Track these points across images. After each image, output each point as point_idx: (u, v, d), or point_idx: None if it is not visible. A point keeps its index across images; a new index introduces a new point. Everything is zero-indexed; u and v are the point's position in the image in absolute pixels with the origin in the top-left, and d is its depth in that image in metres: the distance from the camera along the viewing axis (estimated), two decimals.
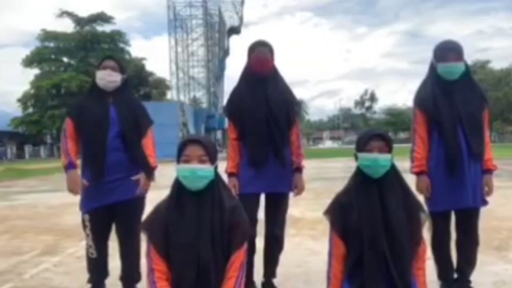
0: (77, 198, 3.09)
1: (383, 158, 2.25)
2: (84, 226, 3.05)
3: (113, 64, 3.04)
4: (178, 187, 2.17)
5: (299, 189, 3.18)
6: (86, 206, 3.04)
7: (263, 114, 3.04)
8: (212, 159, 2.17)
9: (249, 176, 3.05)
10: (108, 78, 3.00)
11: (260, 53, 3.06)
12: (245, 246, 2.19)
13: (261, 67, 3.07)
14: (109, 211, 3.03)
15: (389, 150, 2.28)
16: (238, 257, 2.13)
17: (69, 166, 2.98)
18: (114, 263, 3.20)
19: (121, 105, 3.04)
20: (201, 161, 2.13)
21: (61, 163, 3.03)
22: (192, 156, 2.13)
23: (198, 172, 2.11)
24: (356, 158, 2.33)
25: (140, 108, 3.16)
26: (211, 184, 2.16)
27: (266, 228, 3.16)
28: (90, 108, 3.02)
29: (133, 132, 3.02)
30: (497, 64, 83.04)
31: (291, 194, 3.21)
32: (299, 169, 3.17)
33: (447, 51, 2.91)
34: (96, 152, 2.97)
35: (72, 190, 3.00)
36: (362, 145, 2.30)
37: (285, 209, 3.21)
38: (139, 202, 3.09)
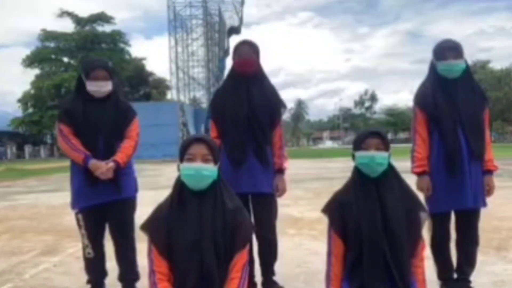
0: None
1: (380, 156, 2.24)
2: (79, 226, 3.06)
3: (104, 74, 2.98)
4: (179, 187, 2.16)
5: (281, 191, 3.17)
6: (76, 205, 3.04)
7: (245, 113, 3.04)
8: (216, 159, 2.17)
9: (229, 175, 3.00)
10: (101, 89, 2.98)
11: (244, 54, 3.07)
12: (248, 247, 2.19)
13: (245, 68, 3.09)
14: (101, 211, 3.03)
15: (386, 148, 2.28)
16: (241, 258, 2.13)
17: (88, 158, 2.94)
18: (114, 263, 3.19)
19: (109, 108, 3.03)
20: (205, 161, 2.13)
21: (76, 160, 2.98)
22: (196, 155, 2.13)
23: (203, 172, 2.11)
24: (354, 158, 2.33)
25: (125, 110, 3.12)
26: (213, 184, 2.15)
27: (257, 232, 3.11)
28: (80, 114, 2.99)
29: (116, 136, 3.02)
30: (499, 64, 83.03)
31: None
32: (280, 170, 3.16)
33: (447, 49, 2.90)
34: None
35: (102, 173, 2.94)
36: (358, 144, 2.30)
37: (272, 210, 3.17)
38: (130, 202, 3.11)
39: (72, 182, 3.09)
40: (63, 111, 3.07)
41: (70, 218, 6.61)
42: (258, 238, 3.11)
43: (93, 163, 2.93)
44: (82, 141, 2.99)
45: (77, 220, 3.06)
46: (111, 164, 2.94)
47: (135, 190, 3.17)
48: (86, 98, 3.01)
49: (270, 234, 3.15)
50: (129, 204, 3.10)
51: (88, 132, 2.99)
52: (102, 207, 3.01)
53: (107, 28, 46.75)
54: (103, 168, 2.91)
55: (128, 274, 3.13)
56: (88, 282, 3.13)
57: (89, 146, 2.98)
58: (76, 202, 3.05)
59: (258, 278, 3.22)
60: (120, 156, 2.98)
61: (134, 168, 3.24)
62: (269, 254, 3.18)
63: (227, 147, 3.08)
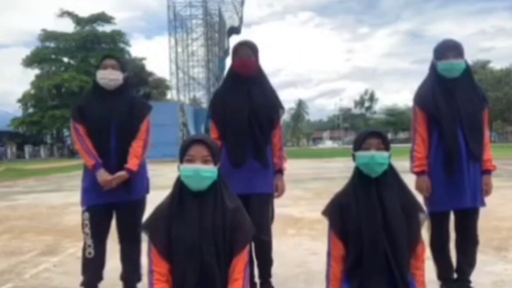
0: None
1: (380, 155, 2.24)
2: (84, 225, 3.04)
3: (113, 63, 3.04)
4: (179, 187, 2.16)
5: (280, 191, 3.18)
6: (85, 203, 3.04)
7: (246, 115, 3.05)
8: (216, 160, 2.17)
9: (229, 176, 3.00)
10: (109, 76, 3.01)
11: (243, 55, 3.08)
12: (248, 247, 2.19)
13: (244, 69, 3.09)
14: (109, 210, 3.04)
15: (386, 148, 2.28)
16: (242, 258, 2.12)
17: (98, 166, 2.96)
18: (114, 263, 3.19)
19: (121, 102, 3.04)
20: (205, 162, 2.13)
21: (87, 163, 3.00)
22: (196, 156, 2.13)
23: (202, 173, 2.11)
24: (354, 158, 2.33)
25: (139, 105, 3.14)
26: (213, 184, 2.15)
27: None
28: (92, 109, 3.02)
29: (127, 133, 3.03)
30: (499, 64, 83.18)
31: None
32: (280, 171, 3.18)
33: (448, 49, 2.91)
34: (100, 153, 2.98)
35: (107, 186, 2.97)
36: (359, 144, 2.30)
37: (268, 211, 3.15)
38: (140, 203, 3.10)
39: (83, 179, 3.09)
40: (76, 108, 3.08)
41: (70, 218, 6.64)
42: (254, 240, 3.09)
43: (100, 174, 2.95)
44: (94, 138, 3.00)
45: (83, 218, 3.05)
46: (119, 174, 2.96)
47: (146, 191, 3.18)
48: (98, 92, 3.04)
49: (266, 236, 3.12)
50: (139, 205, 3.09)
51: (100, 127, 2.98)
52: (111, 206, 3.02)
53: (107, 28, 46.84)
54: (107, 181, 2.94)
55: (131, 274, 3.12)
56: (82, 284, 3.07)
57: (101, 143, 2.99)
58: (86, 199, 3.04)
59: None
60: (131, 163, 3.00)
61: (147, 168, 3.23)
62: (265, 256, 3.16)
63: (228, 148, 3.08)
